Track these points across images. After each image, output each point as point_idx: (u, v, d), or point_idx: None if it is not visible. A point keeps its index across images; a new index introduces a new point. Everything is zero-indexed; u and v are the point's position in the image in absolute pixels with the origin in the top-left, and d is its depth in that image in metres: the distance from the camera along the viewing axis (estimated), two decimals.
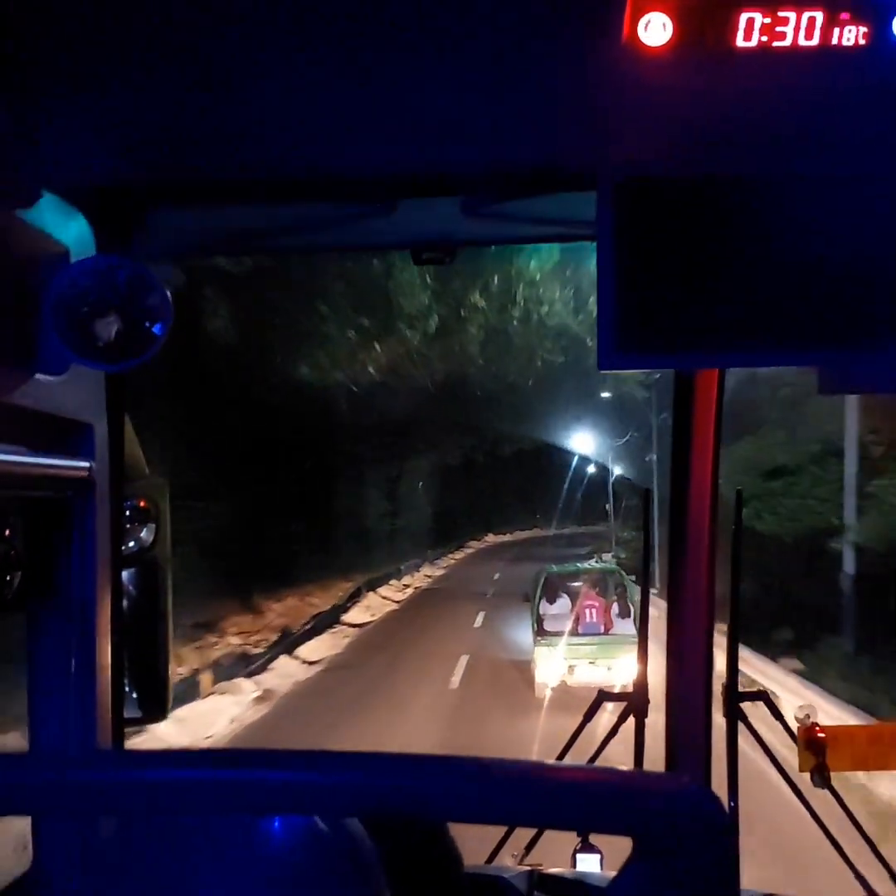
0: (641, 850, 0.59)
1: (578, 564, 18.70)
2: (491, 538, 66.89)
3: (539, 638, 13.95)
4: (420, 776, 0.63)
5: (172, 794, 0.66)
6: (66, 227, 1.52)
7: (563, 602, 14.98)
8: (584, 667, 13.19)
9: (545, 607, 14.94)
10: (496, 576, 35.92)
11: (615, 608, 14.41)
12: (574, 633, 13.91)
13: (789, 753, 2.21)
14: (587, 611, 14.44)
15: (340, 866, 0.76)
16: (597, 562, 22.69)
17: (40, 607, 1.61)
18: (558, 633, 13.83)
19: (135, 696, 1.88)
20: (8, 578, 1.49)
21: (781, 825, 5.17)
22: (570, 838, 2.25)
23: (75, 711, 1.63)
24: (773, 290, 1.46)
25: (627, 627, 13.62)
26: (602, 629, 14.15)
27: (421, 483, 43.51)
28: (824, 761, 2.08)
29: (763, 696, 2.18)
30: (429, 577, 39.42)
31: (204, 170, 1.57)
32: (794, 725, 2.17)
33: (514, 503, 71.11)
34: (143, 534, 1.95)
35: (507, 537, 68.24)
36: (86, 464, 1.59)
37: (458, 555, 55.13)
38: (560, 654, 13.39)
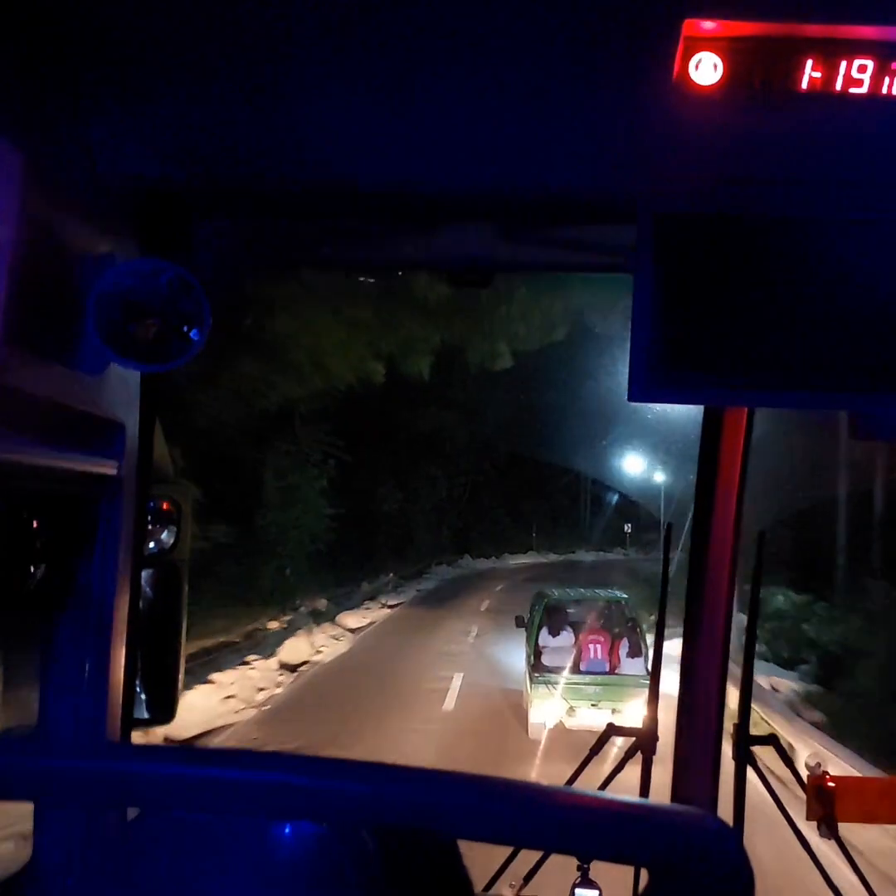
0: (656, 884, 0.59)
1: (583, 591, 16.49)
2: (467, 563, 45.52)
3: (535, 673, 12.54)
4: (438, 791, 0.63)
5: (183, 790, 0.66)
6: (113, 228, 1.54)
7: (567, 635, 13.48)
8: (585, 709, 11.80)
9: (545, 639, 13.47)
10: (455, 683, 15.30)
11: (624, 645, 12.96)
12: (575, 670, 12.56)
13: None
14: (591, 647, 13.01)
15: (349, 878, 0.75)
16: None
17: (59, 602, 1.62)
18: (557, 670, 12.51)
19: (143, 697, 1.89)
20: (32, 571, 1.50)
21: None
22: (568, 872, 2.23)
23: (86, 708, 1.64)
24: (807, 332, 1.46)
25: (637, 668, 12.41)
26: (607, 668, 12.75)
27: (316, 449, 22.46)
28: (832, 812, 2.06)
29: (773, 740, 2.16)
30: (283, 673, 15.93)
31: (250, 180, 1.59)
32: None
33: (503, 516, 53.26)
34: (163, 536, 1.96)
35: (490, 563, 47.75)
36: (115, 463, 1.60)
37: (401, 597, 29.51)
38: (559, 693, 12.08)
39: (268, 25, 1.26)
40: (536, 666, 12.85)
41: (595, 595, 15.74)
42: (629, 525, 52.04)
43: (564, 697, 12.03)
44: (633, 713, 11.25)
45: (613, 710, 11.60)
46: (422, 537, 40.45)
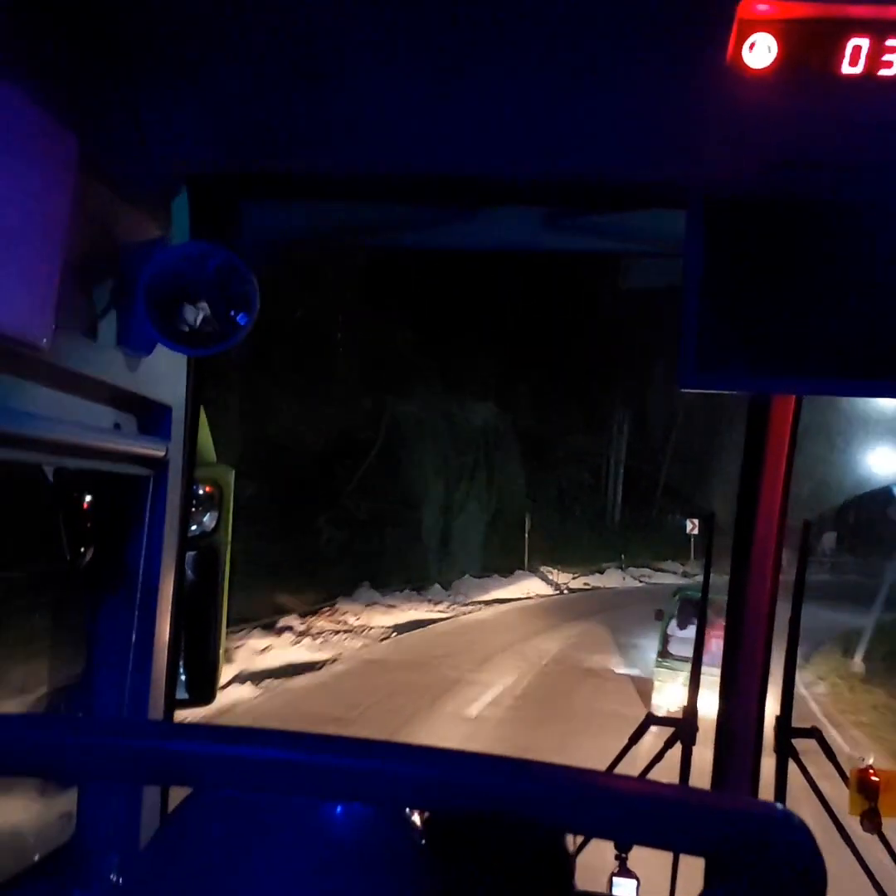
0: (722, 874, 0.58)
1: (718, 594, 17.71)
2: (339, 624, 17.29)
3: (661, 659, 13.52)
4: (491, 776, 0.62)
5: (228, 769, 0.66)
6: (163, 212, 1.55)
7: (693, 629, 14.33)
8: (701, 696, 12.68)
9: (673, 629, 14.37)
10: None
11: None
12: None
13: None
14: (713, 640, 13.74)
15: (399, 858, 0.76)
16: None
17: (105, 581, 1.64)
18: (682, 659, 13.32)
19: (183, 678, 1.91)
20: (80, 550, 1.52)
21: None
22: (606, 861, 2.22)
23: (130, 687, 1.66)
24: (858, 320, 1.44)
25: None
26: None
27: None
28: (876, 806, 2.03)
29: (815, 732, 2.14)
30: None
31: (298, 165, 1.60)
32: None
33: (464, 496, 26.77)
34: (205, 519, 1.97)
35: (412, 610, 20.13)
36: (162, 445, 1.61)
37: None
38: (680, 679, 12.88)
39: (316, 11, 1.25)
40: (663, 653, 13.79)
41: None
42: (692, 523, 27.64)
43: (684, 683, 12.61)
44: None
45: None
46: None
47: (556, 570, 28.77)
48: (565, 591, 27.07)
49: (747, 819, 0.59)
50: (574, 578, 28.98)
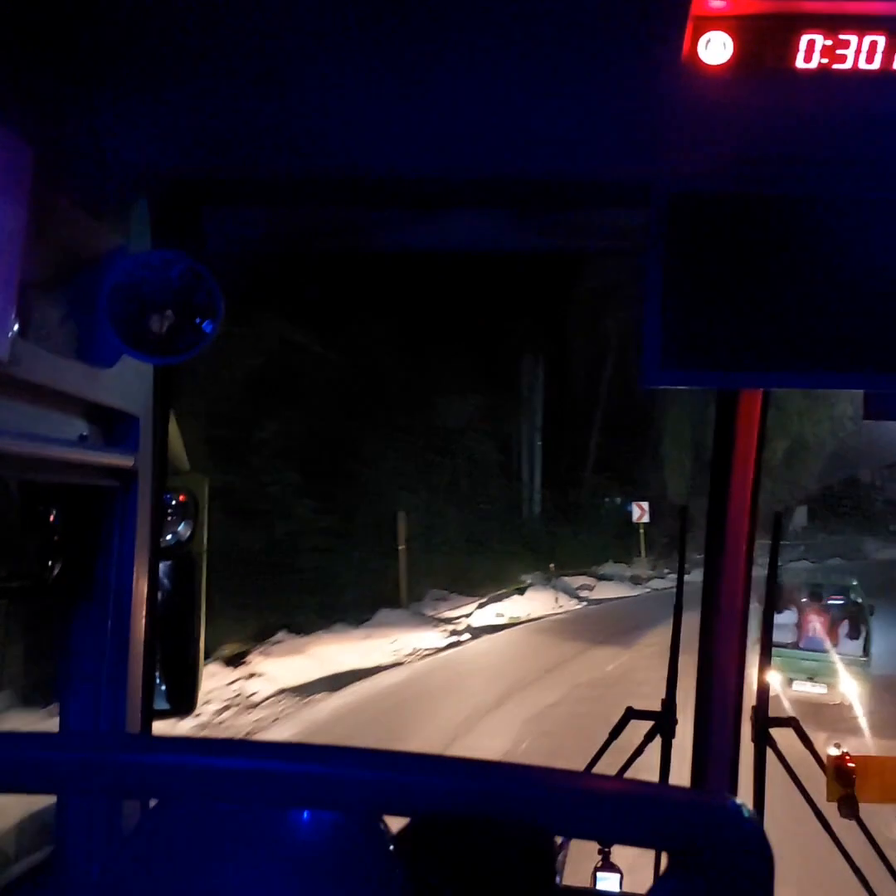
0: (676, 865, 0.59)
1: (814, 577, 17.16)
2: None
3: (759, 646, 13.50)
4: (456, 778, 0.63)
5: (203, 781, 0.66)
6: (124, 221, 1.54)
7: (791, 614, 14.04)
8: (801, 682, 12.72)
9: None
10: None
11: (844, 626, 13.74)
12: (795, 646, 13.39)
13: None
14: (811, 625, 13.81)
15: (365, 865, 0.76)
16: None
17: (76, 594, 1.63)
18: (780, 645, 12.98)
19: (163, 688, 1.90)
20: (49, 563, 1.51)
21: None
22: (589, 856, 2.24)
23: (106, 700, 1.65)
24: (821, 312, 1.46)
25: (854, 648, 13.24)
26: (826, 646, 13.49)
27: None
28: (853, 792, 2.05)
29: (793, 722, 2.16)
30: None
31: (260, 169, 1.59)
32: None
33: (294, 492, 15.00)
34: (180, 528, 1.96)
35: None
36: (130, 455, 1.61)
37: None
38: (778, 665, 12.72)
39: (275, 13, 1.25)
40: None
41: (826, 579, 16.37)
42: (640, 509, 23.13)
43: (783, 669, 12.61)
44: (846, 688, 12.27)
45: (828, 685, 12.50)
46: None
47: (452, 597, 18.38)
48: (465, 637, 15.93)
49: (698, 811, 0.60)
50: (481, 607, 18.25)
